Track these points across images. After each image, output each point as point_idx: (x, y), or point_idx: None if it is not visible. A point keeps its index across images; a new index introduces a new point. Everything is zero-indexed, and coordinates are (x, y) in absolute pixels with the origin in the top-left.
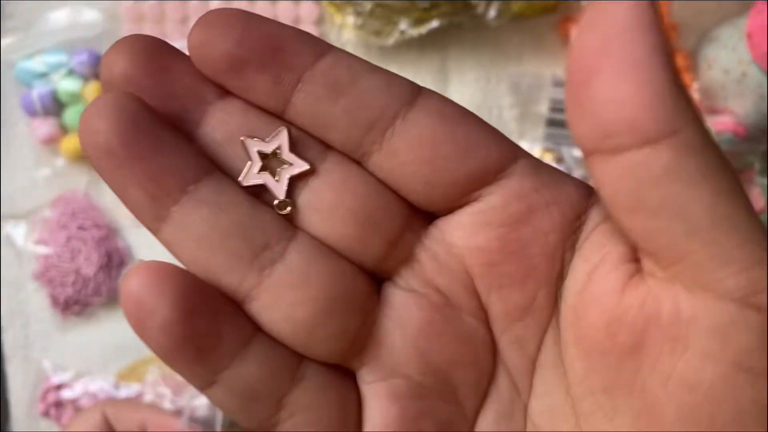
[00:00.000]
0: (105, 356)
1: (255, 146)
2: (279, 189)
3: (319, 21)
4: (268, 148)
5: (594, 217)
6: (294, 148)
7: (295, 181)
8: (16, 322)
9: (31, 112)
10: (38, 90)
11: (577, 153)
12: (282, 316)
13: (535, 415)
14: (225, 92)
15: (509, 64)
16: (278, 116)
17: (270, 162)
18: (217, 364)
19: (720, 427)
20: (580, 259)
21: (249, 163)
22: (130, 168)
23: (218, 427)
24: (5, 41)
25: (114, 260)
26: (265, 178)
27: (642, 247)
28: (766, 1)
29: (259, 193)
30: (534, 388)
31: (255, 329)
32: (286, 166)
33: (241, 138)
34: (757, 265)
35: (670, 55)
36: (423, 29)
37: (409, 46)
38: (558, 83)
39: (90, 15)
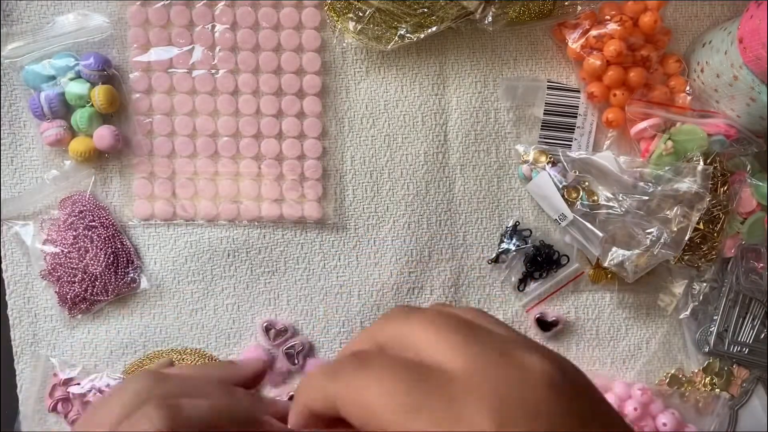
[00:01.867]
0: (112, 353)
1: None
2: None
3: (321, 26)
4: None
5: None
6: None
7: None
8: (25, 319)
9: (39, 115)
10: (46, 93)
11: (572, 154)
12: None
13: None
14: None
15: (505, 69)
16: None
17: None
18: None
19: None
20: None
21: None
22: None
23: None
24: (14, 45)
25: (120, 259)
26: None
27: None
28: (756, 4)
29: None
30: None
31: None
32: None
33: None
34: None
35: None
36: (422, 34)
37: (408, 50)
38: (553, 87)
39: (97, 19)
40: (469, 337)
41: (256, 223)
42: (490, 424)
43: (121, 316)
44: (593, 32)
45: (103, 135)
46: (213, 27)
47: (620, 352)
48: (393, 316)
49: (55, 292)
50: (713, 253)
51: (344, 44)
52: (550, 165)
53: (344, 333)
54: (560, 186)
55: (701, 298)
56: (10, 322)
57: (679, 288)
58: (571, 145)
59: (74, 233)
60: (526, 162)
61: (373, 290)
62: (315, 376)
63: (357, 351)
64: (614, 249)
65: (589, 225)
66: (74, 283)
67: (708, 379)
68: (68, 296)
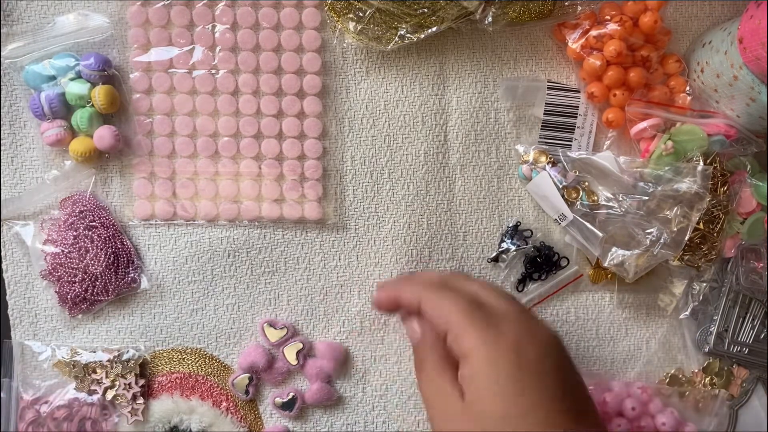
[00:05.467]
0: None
1: None
2: None
3: (321, 26)
4: None
5: None
6: None
7: None
8: (25, 319)
9: (39, 115)
10: (46, 93)
11: (572, 154)
12: None
13: None
14: None
15: (505, 69)
16: None
17: None
18: None
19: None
20: None
21: None
22: None
23: None
24: (14, 45)
25: (121, 259)
26: None
27: None
28: (756, 4)
29: None
30: None
31: None
32: None
33: None
34: None
35: None
36: (422, 34)
37: (408, 50)
38: (553, 87)
39: (97, 20)
40: (510, 296)
41: (257, 223)
42: (514, 336)
43: (121, 316)
44: (593, 32)
45: (103, 135)
46: (213, 27)
47: (620, 352)
48: (447, 276)
49: (56, 292)
50: (713, 253)
51: (344, 44)
52: (550, 165)
53: (344, 333)
54: (560, 186)
55: (701, 298)
56: (10, 322)
57: (679, 288)
58: (571, 145)
59: (74, 233)
60: (526, 162)
61: (373, 290)
62: (412, 284)
63: (439, 280)
64: (614, 249)
65: (588, 225)
66: (74, 283)
67: (708, 379)
68: (68, 296)
